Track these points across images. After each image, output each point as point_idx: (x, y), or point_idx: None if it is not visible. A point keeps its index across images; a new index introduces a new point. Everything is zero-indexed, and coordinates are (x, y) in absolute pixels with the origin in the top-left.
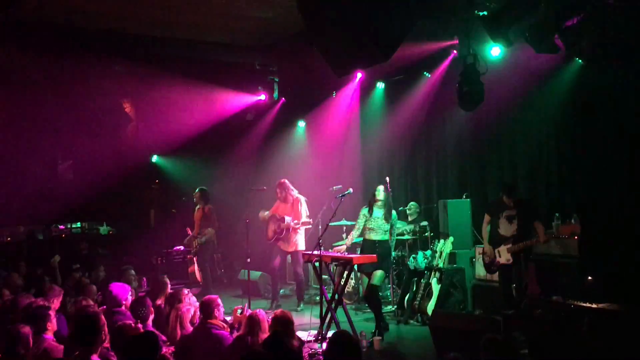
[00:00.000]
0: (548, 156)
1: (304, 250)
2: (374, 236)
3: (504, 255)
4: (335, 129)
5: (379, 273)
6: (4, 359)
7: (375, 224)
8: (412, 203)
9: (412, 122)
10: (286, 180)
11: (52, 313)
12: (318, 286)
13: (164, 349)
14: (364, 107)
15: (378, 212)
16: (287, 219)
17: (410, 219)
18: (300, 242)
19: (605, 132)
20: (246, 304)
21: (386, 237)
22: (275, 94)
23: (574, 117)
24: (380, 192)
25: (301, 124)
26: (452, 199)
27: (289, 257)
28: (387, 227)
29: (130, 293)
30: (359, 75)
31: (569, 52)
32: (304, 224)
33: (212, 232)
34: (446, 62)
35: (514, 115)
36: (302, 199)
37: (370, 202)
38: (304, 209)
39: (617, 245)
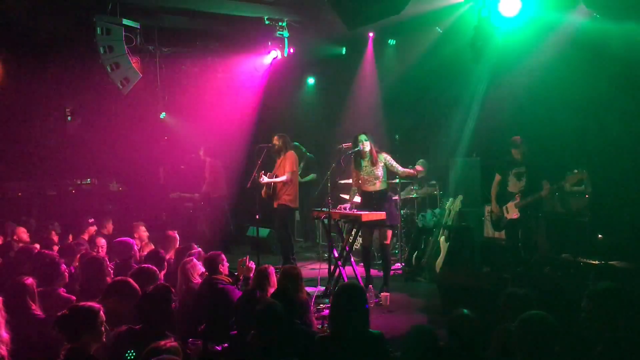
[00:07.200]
0: (560, 115)
1: (290, 205)
2: (369, 187)
3: (511, 211)
4: (344, 86)
5: (389, 233)
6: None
7: (366, 172)
8: (420, 160)
9: (420, 78)
10: (285, 135)
11: (63, 267)
12: (327, 243)
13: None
14: (374, 64)
15: (363, 162)
16: (264, 177)
17: (419, 176)
18: (284, 196)
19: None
20: (247, 257)
21: (383, 186)
22: (286, 51)
23: (587, 74)
24: (363, 144)
25: (310, 80)
26: (462, 158)
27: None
28: (380, 172)
29: (137, 247)
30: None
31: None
32: (279, 178)
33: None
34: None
35: (529, 73)
36: (291, 155)
37: (356, 157)
38: (288, 163)
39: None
